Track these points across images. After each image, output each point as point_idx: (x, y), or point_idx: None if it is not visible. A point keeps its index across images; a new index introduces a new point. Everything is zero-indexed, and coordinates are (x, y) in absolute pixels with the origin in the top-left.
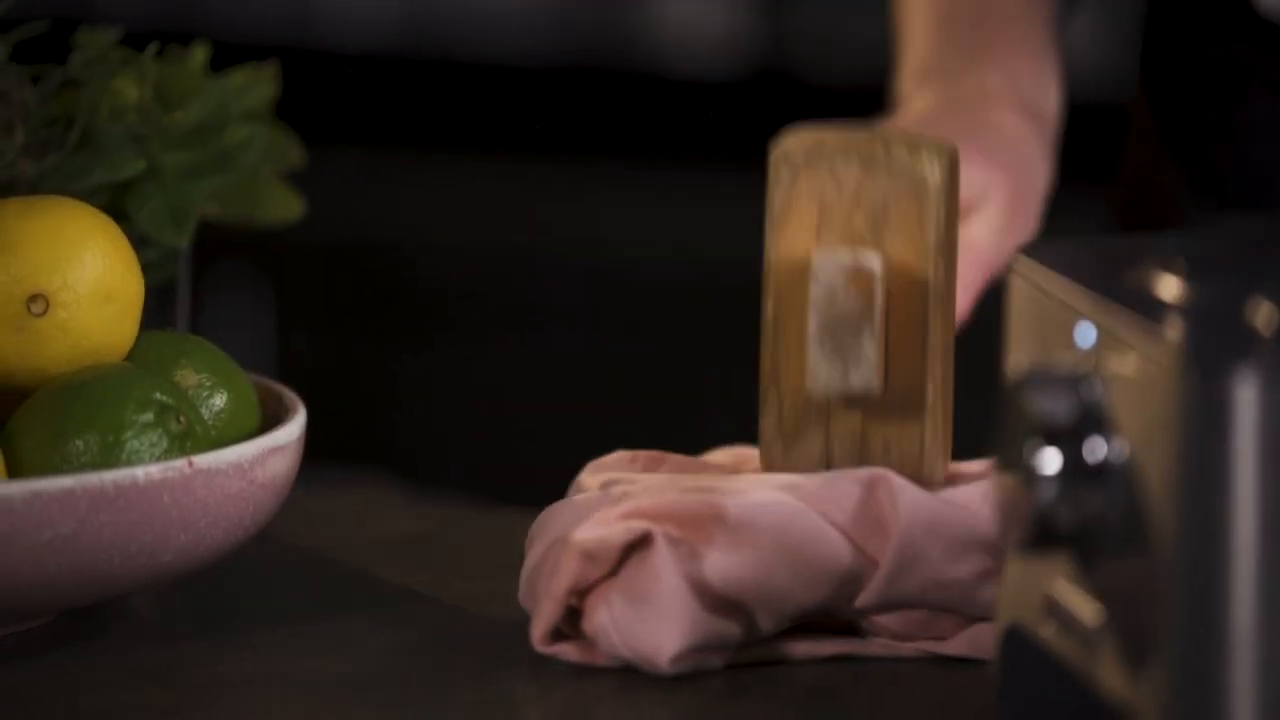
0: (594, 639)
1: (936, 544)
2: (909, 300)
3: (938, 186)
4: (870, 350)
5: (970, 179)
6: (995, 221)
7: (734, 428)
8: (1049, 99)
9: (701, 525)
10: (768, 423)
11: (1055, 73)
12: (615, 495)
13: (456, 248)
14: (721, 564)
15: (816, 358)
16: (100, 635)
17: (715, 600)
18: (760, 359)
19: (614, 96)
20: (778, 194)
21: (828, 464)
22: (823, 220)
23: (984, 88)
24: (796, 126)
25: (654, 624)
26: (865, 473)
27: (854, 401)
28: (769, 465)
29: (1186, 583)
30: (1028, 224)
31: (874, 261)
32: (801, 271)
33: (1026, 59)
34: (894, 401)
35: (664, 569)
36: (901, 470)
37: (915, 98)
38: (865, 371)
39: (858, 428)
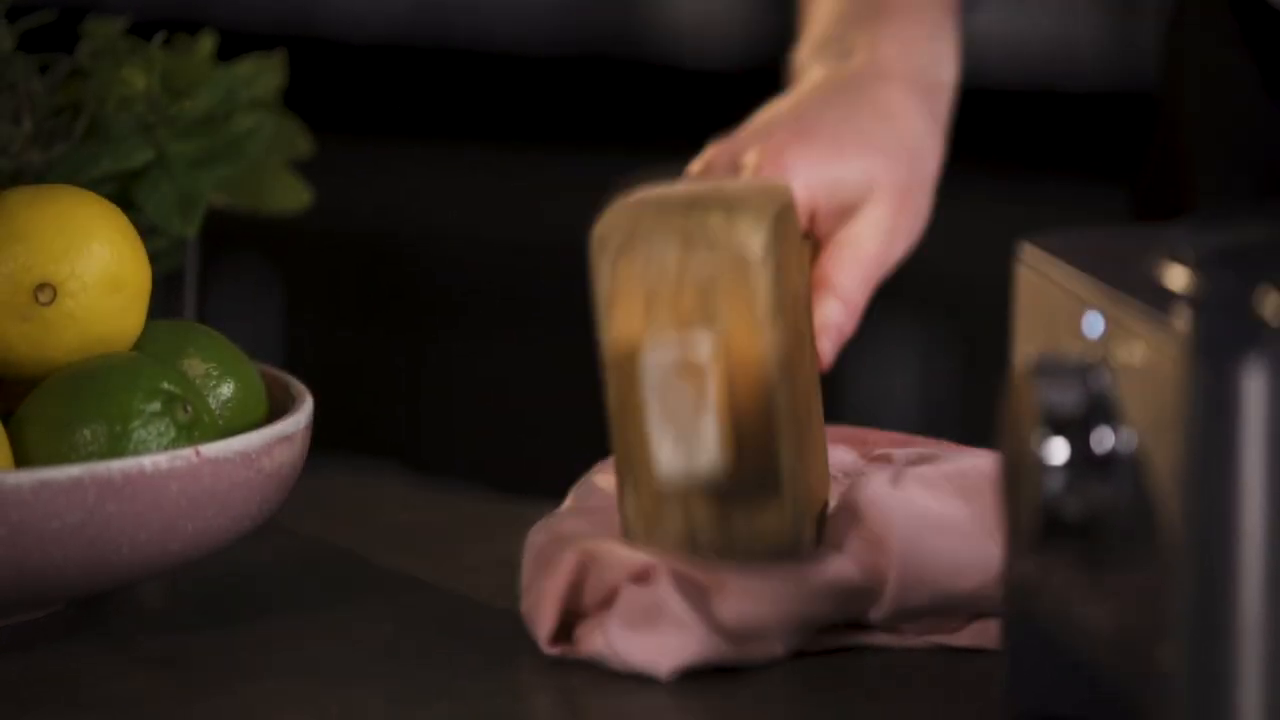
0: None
1: (938, 563)
2: (750, 375)
3: (760, 255)
4: (710, 434)
5: (851, 179)
6: (881, 222)
7: None
8: (945, 70)
9: (711, 570)
10: (628, 507)
11: (954, 42)
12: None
13: (464, 238)
14: (735, 606)
15: (658, 447)
16: (108, 624)
17: (728, 633)
18: (613, 445)
19: (624, 86)
20: (601, 280)
21: (692, 544)
22: (650, 302)
23: (874, 63)
24: (618, 202)
25: (655, 647)
26: (852, 498)
27: (706, 485)
28: (634, 546)
29: (1194, 572)
30: (916, 215)
31: (703, 347)
32: (635, 357)
33: (923, 28)
34: (749, 478)
35: (669, 599)
36: (766, 544)
37: (807, 72)
38: (709, 456)
39: (717, 509)
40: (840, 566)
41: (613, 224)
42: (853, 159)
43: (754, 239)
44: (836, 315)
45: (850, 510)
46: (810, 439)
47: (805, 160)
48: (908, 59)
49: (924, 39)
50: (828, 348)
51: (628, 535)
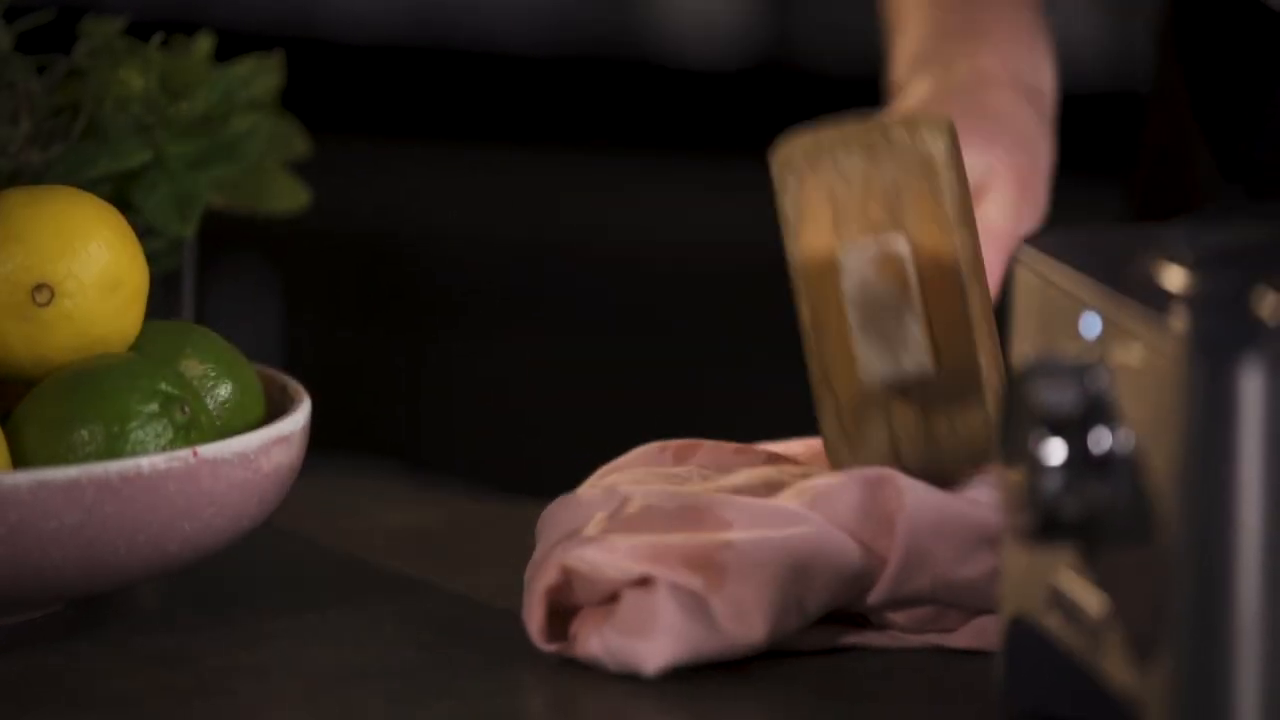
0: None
1: (943, 545)
2: (942, 277)
3: (944, 159)
4: (915, 330)
5: (973, 163)
6: (1006, 201)
7: (743, 419)
8: (1044, 78)
9: (708, 570)
10: (828, 426)
11: (1048, 51)
12: (615, 500)
13: (462, 238)
14: (733, 595)
15: (864, 349)
16: (107, 625)
17: (723, 629)
18: (808, 366)
19: (623, 87)
20: (787, 199)
21: (896, 456)
22: (838, 216)
23: (978, 71)
24: (792, 129)
25: (646, 649)
26: (871, 472)
27: (910, 388)
28: (837, 467)
29: (1192, 572)
30: (1037, 201)
31: (900, 243)
32: (829, 270)
33: (1019, 39)
34: (950, 381)
35: (664, 605)
36: (970, 447)
37: (911, 87)
38: (915, 352)
39: (919, 414)
40: (844, 548)
41: (794, 144)
42: (974, 148)
43: (937, 142)
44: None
45: (863, 484)
46: (998, 349)
47: None
48: (1010, 70)
49: (1022, 50)
50: None
51: (830, 454)
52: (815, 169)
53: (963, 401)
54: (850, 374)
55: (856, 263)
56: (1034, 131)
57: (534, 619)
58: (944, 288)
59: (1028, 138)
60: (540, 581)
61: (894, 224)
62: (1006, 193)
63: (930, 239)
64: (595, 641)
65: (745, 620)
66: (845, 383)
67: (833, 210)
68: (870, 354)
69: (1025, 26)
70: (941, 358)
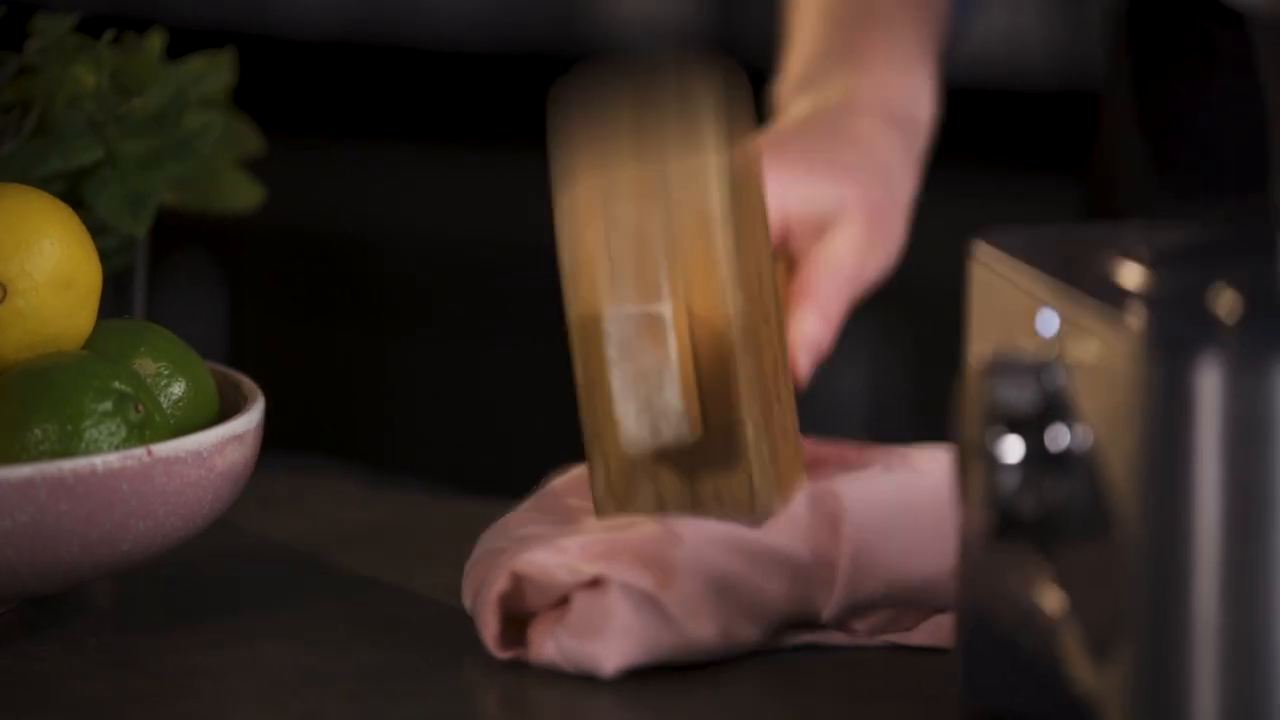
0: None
1: (891, 543)
2: (714, 340)
3: (720, 216)
4: (674, 399)
5: (823, 196)
6: (855, 237)
7: None
8: (921, 106)
9: (659, 567)
10: (597, 485)
11: (930, 81)
12: (562, 516)
13: (414, 236)
14: (684, 591)
15: (623, 416)
16: (61, 624)
17: (677, 629)
18: (582, 419)
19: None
20: (565, 252)
21: (662, 516)
22: (613, 272)
23: (849, 97)
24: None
25: (602, 650)
26: (811, 489)
27: (675, 453)
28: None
29: (1149, 570)
30: (891, 237)
31: (663, 308)
32: (599, 330)
33: (899, 65)
34: (716, 446)
35: (617, 605)
36: (734, 513)
37: (787, 108)
38: (674, 422)
39: (684, 479)
40: (792, 545)
41: (574, 192)
42: (824, 178)
43: (713, 197)
44: (813, 328)
45: (806, 495)
46: (780, 418)
47: (778, 177)
48: (881, 94)
49: (898, 75)
50: (804, 362)
51: (599, 511)
52: (592, 220)
53: (728, 469)
54: (616, 436)
55: (619, 325)
56: (895, 163)
57: (489, 627)
58: (716, 350)
59: (887, 170)
60: (491, 590)
61: (670, 280)
62: (856, 228)
63: (704, 299)
64: (550, 646)
65: (698, 615)
66: (613, 439)
67: (609, 265)
68: (629, 420)
69: (908, 51)
70: (709, 423)
